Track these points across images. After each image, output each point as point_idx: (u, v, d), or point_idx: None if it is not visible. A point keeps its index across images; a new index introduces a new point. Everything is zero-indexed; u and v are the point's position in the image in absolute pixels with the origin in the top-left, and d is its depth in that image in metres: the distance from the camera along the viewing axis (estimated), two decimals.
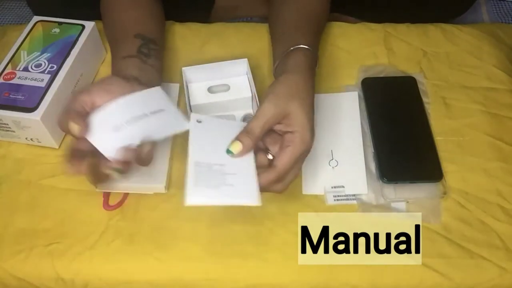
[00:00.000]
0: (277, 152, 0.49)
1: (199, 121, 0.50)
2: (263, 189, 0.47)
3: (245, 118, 0.61)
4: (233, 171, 0.47)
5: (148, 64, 0.56)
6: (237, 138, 0.48)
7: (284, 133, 0.49)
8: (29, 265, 0.52)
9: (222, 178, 0.46)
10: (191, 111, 0.60)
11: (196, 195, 0.44)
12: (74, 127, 0.45)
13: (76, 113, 0.46)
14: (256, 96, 0.58)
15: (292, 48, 0.55)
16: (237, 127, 0.49)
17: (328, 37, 0.71)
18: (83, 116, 0.46)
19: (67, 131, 0.46)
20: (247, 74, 0.62)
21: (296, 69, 0.53)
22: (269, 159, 0.49)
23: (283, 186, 0.49)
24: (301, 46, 0.55)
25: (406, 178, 0.56)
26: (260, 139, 0.49)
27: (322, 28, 0.67)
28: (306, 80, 0.52)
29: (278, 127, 0.49)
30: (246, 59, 0.61)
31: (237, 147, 0.47)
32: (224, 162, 0.47)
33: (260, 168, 0.48)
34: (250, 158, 0.48)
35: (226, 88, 0.62)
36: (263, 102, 0.49)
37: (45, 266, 0.52)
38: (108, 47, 0.70)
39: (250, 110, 0.62)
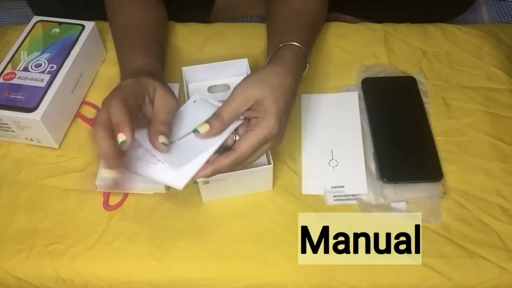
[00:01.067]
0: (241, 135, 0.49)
1: (194, 101, 0.53)
2: (217, 171, 0.47)
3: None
4: (185, 150, 0.48)
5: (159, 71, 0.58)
6: (207, 121, 0.48)
7: (251, 119, 0.49)
8: (29, 265, 0.52)
9: (168, 155, 0.47)
10: None
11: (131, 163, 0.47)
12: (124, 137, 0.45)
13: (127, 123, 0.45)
14: None
15: (281, 45, 0.55)
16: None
17: (328, 37, 0.71)
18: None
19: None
20: (247, 74, 0.62)
21: (278, 61, 0.53)
22: (234, 141, 0.50)
23: (241, 168, 0.50)
24: (291, 43, 0.55)
25: (406, 178, 0.56)
26: (228, 124, 0.49)
27: (318, 27, 0.66)
28: (285, 73, 0.51)
29: (247, 114, 0.49)
30: (246, 59, 0.61)
31: (204, 128, 0.48)
32: (184, 140, 0.49)
33: (223, 151, 0.48)
34: (211, 142, 0.48)
35: (226, 88, 0.62)
36: (235, 88, 0.49)
37: (45, 266, 0.52)
38: (108, 47, 0.70)
39: None
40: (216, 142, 0.49)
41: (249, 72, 0.61)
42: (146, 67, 0.55)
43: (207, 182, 0.52)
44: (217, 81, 0.62)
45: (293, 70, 0.52)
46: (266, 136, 0.48)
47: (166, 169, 0.47)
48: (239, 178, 0.53)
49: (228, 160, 0.47)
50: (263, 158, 0.54)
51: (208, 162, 0.48)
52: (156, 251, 0.52)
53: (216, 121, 0.48)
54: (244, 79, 0.50)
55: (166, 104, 0.49)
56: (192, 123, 0.49)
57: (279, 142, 0.51)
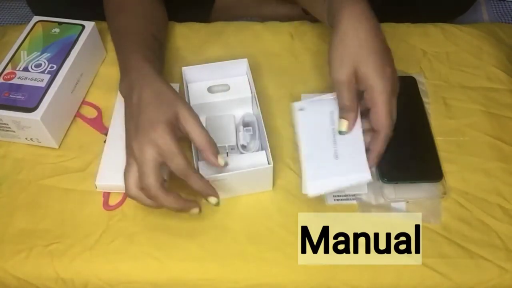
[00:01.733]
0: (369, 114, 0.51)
1: (301, 109, 0.55)
2: (380, 154, 0.51)
3: (244, 118, 0.61)
4: (343, 151, 0.52)
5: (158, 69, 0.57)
6: (340, 117, 0.52)
7: (363, 93, 0.51)
8: (29, 265, 0.52)
9: (333, 163, 0.51)
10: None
11: (313, 188, 0.50)
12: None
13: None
14: (256, 96, 0.58)
15: None
16: (335, 100, 0.53)
17: (328, 37, 0.71)
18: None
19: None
20: (247, 74, 0.62)
21: (341, 19, 0.51)
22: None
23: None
24: None
25: (406, 178, 0.56)
26: (357, 106, 0.51)
27: None
28: (354, 29, 0.50)
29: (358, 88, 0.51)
30: (246, 59, 0.61)
31: (344, 125, 0.52)
32: (333, 144, 0.52)
33: (369, 136, 0.52)
34: (358, 131, 0.52)
35: (226, 88, 0.62)
36: (332, 72, 0.51)
37: (45, 266, 0.52)
38: (108, 47, 0.70)
39: (249, 110, 0.62)
40: (358, 133, 0.52)
41: (249, 72, 0.61)
42: (144, 61, 0.54)
43: None
44: (217, 81, 0.62)
45: (360, 16, 0.51)
46: (389, 91, 0.49)
47: (345, 173, 0.51)
48: (239, 178, 0.53)
49: (379, 144, 0.50)
50: (263, 159, 0.54)
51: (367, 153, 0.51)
52: (156, 251, 0.52)
53: (348, 112, 0.51)
54: (333, 58, 0.51)
55: (194, 121, 0.50)
56: (324, 126, 0.53)
57: (397, 86, 0.51)
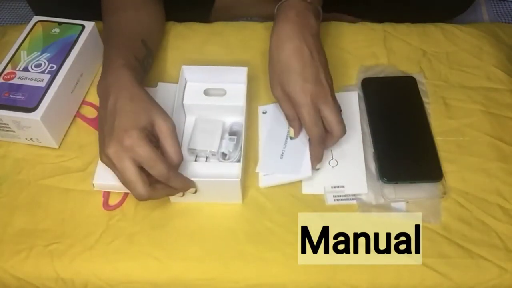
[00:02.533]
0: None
1: (264, 112, 0.62)
2: (319, 159, 0.56)
3: (231, 126, 0.60)
4: (289, 153, 0.58)
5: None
6: (289, 125, 0.58)
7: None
8: (29, 265, 0.52)
9: (280, 162, 0.57)
10: (183, 108, 0.60)
11: (264, 181, 0.57)
12: None
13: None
14: (245, 108, 0.58)
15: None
16: None
17: (328, 37, 0.71)
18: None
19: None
20: (244, 83, 0.61)
21: (277, 33, 0.56)
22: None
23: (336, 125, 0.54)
24: None
25: (406, 178, 0.56)
26: (295, 116, 0.55)
27: None
28: (286, 38, 0.55)
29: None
30: (246, 68, 0.60)
31: (291, 132, 0.58)
32: (284, 145, 0.58)
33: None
34: (305, 138, 0.58)
35: (223, 92, 0.61)
36: (270, 87, 0.57)
37: (45, 266, 0.52)
38: None
39: (241, 119, 0.60)
40: (305, 139, 0.58)
41: (245, 81, 0.60)
42: (124, 67, 0.54)
43: None
44: (215, 84, 0.61)
45: (286, 36, 0.55)
46: (307, 110, 0.52)
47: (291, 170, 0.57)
48: (207, 186, 0.53)
49: (314, 145, 0.55)
50: (234, 170, 0.54)
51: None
52: (156, 251, 0.52)
53: (292, 121, 0.57)
54: (270, 74, 0.57)
55: (169, 132, 0.50)
56: (275, 134, 0.60)
57: (325, 93, 0.53)
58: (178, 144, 0.51)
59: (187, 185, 0.51)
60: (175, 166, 0.51)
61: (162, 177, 0.48)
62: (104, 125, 0.50)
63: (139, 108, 0.50)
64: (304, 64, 0.53)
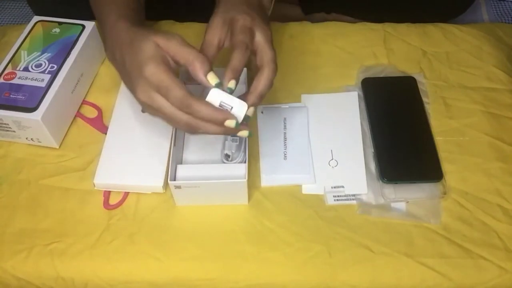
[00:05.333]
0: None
1: (262, 112, 0.62)
2: (261, 91, 0.49)
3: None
4: (291, 153, 0.59)
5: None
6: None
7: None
8: (29, 265, 0.52)
9: (283, 163, 0.58)
10: None
11: (266, 181, 0.57)
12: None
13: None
14: None
15: None
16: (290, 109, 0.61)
17: (328, 37, 0.71)
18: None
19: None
20: (244, 83, 0.61)
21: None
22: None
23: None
24: None
25: (406, 178, 0.56)
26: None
27: None
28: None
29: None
30: (245, 69, 0.60)
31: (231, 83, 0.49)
32: (284, 146, 0.60)
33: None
34: (304, 139, 0.59)
35: None
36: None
37: (45, 265, 0.52)
38: None
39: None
40: (305, 140, 0.59)
41: (246, 81, 0.60)
42: (118, 21, 0.52)
43: (179, 187, 0.52)
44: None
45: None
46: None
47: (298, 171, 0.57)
48: (213, 188, 0.52)
49: (265, 76, 0.49)
50: (241, 172, 0.53)
51: (248, 93, 0.49)
52: (156, 251, 0.52)
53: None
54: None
55: (176, 42, 0.47)
56: (275, 134, 0.60)
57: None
58: (189, 47, 0.47)
59: (217, 112, 0.45)
60: (199, 69, 0.46)
61: (179, 103, 0.45)
62: (125, 78, 0.49)
63: (140, 42, 0.47)
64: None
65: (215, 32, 0.50)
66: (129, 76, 0.48)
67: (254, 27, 0.50)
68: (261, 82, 0.49)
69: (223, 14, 0.51)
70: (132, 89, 0.48)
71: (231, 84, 0.47)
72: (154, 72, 0.45)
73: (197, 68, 0.46)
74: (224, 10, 0.51)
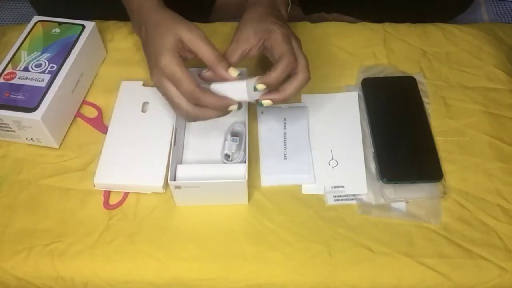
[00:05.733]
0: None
1: (262, 112, 0.62)
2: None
3: (233, 127, 0.60)
4: (291, 153, 0.59)
5: None
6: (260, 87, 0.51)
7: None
8: (29, 265, 0.52)
9: (283, 163, 0.58)
10: None
11: (266, 181, 0.57)
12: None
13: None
14: (247, 107, 0.58)
15: None
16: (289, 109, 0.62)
17: (328, 37, 0.71)
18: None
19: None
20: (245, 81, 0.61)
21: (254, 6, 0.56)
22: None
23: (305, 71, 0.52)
24: None
25: (406, 178, 0.56)
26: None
27: None
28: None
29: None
30: (245, 69, 0.60)
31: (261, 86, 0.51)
32: (284, 146, 0.60)
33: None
34: (305, 140, 0.60)
35: None
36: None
37: (45, 265, 0.52)
38: (108, 47, 0.70)
39: (244, 118, 0.60)
40: (305, 141, 0.59)
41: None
42: (145, 3, 0.55)
43: (179, 187, 0.52)
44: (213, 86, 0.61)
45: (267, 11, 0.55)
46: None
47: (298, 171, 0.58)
48: (213, 188, 0.52)
49: (298, 81, 0.51)
50: (241, 172, 0.53)
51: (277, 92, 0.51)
52: (156, 251, 0.52)
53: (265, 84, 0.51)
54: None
55: (199, 41, 0.50)
56: (275, 134, 0.60)
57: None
58: (210, 45, 0.50)
59: (221, 101, 0.50)
60: (216, 66, 0.50)
61: (189, 95, 0.49)
62: (147, 56, 0.54)
63: (164, 31, 0.51)
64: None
65: (244, 42, 0.53)
66: (149, 57, 0.52)
67: (289, 36, 0.53)
68: (293, 85, 0.51)
69: (254, 25, 0.54)
70: (149, 68, 0.53)
71: (260, 86, 0.50)
72: (168, 63, 0.49)
73: (217, 66, 0.50)
74: (253, 21, 0.54)
